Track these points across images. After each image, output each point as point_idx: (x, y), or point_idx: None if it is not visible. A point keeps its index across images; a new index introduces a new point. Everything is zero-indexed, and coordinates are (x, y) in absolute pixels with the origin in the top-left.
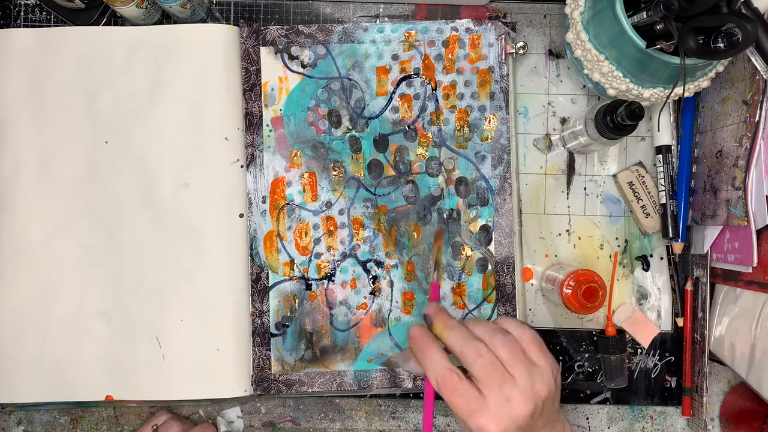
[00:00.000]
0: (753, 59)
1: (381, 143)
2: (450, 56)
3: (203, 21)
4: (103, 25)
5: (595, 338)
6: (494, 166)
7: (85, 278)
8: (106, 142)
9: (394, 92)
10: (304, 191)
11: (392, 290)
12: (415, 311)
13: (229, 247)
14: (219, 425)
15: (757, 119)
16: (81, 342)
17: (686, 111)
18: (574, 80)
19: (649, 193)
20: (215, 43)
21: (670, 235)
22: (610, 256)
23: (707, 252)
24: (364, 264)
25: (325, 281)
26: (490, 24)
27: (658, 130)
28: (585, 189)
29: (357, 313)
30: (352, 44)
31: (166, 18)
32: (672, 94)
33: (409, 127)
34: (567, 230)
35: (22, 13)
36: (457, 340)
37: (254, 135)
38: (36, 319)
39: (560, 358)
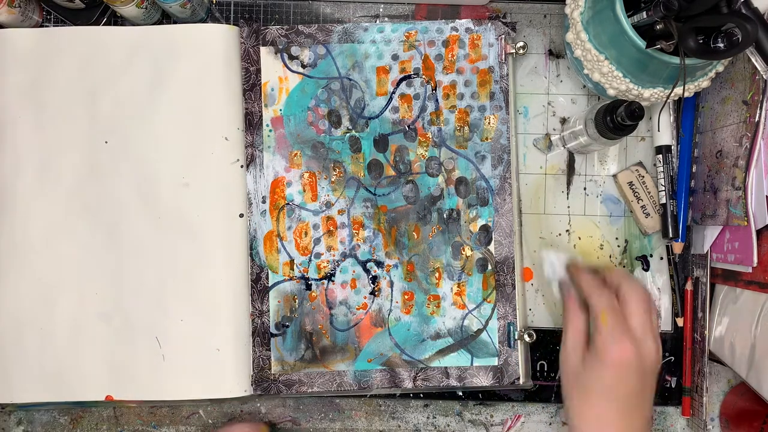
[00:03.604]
0: (753, 59)
1: (381, 143)
2: (450, 56)
3: (203, 21)
4: (103, 25)
5: None
6: (494, 166)
7: (85, 278)
8: (106, 142)
9: (394, 92)
10: (304, 191)
11: (392, 290)
12: (415, 311)
13: (229, 247)
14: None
15: (757, 119)
16: (81, 342)
17: (686, 111)
18: (574, 80)
19: (649, 193)
20: (215, 43)
21: (670, 235)
22: (611, 256)
23: (707, 252)
24: (364, 264)
25: (325, 281)
26: (490, 24)
27: (658, 130)
28: (585, 189)
29: (357, 313)
30: (352, 44)
31: (166, 18)
32: (672, 94)
33: (409, 127)
34: (567, 230)
35: None
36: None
37: (254, 135)
38: (36, 319)
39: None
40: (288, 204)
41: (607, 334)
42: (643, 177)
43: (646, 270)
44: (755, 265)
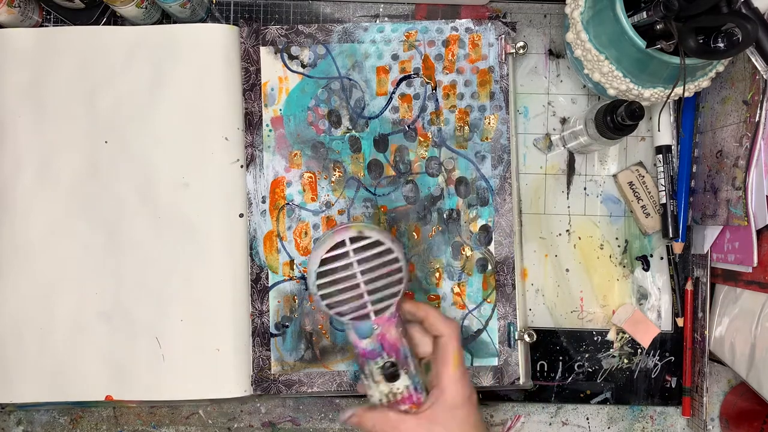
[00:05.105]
0: (753, 59)
1: (381, 143)
2: (450, 56)
3: (203, 21)
4: (103, 25)
5: (595, 338)
6: (494, 166)
7: (85, 278)
8: (106, 142)
9: (394, 92)
10: (304, 191)
11: None
12: None
13: (229, 247)
14: None
15: (757, 119)
16: (81, 342)
17: (686, 111)
18: (574, 80)
19: (649, 193)
20: (215, 43)
21: (670, 235)
22: (611, 256)
23: (707, 252)
24: None
25: None
26: (490, 24)
27: (658, 130)
28: (585, 189)
29: None
30: (352, 44)
31: (166, 18)
32: (672, 94)
33: (409, 127)
34: (567, 230)
35: None
36: None
37: (254, 135)
38: (36, 319)
39: (560, 358)
40: (288, 204)
41: (461, 375)
42: (643, 177)
43: (646, 270)
44: (755, 265)
